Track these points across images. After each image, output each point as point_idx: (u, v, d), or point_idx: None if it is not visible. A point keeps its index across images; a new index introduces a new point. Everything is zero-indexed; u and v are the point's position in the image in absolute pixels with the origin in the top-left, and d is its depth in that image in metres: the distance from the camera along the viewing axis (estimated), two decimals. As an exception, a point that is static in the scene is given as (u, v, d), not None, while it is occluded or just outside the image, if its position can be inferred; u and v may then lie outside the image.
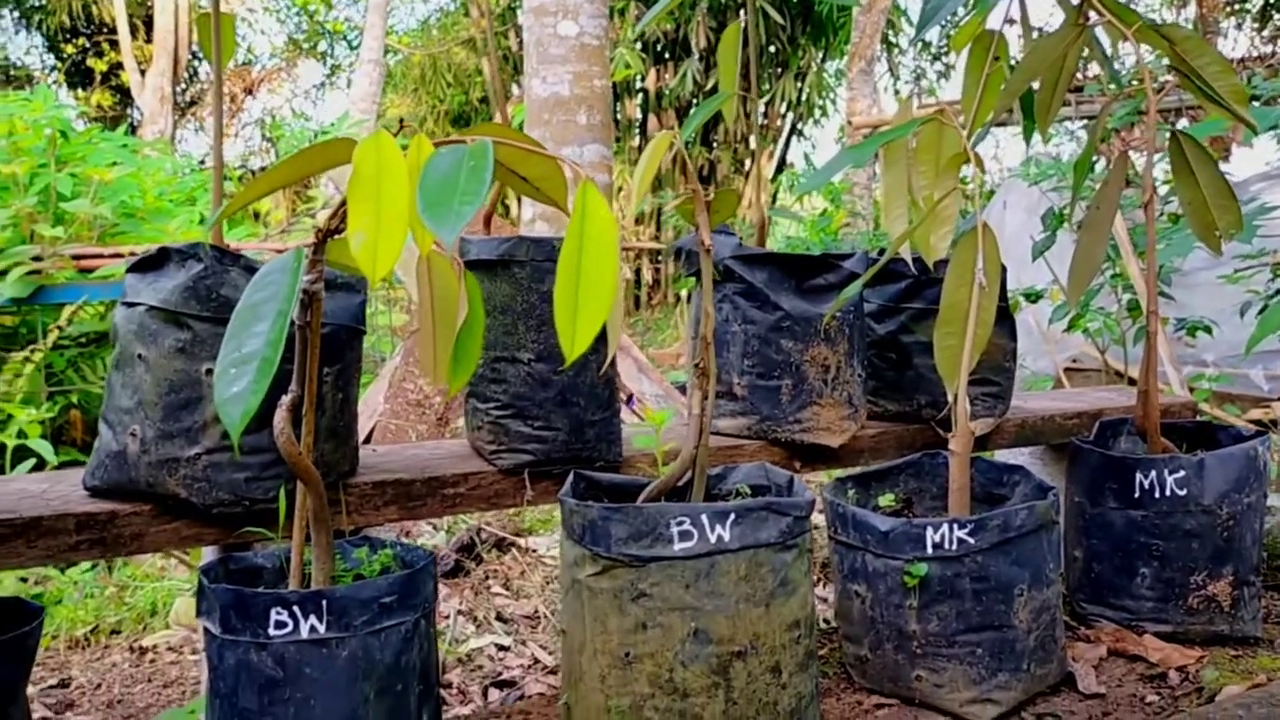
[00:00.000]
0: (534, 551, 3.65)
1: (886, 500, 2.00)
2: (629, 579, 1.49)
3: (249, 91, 11.52)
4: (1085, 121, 7.24)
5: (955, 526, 1.72)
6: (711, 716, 1.48)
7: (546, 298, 1.80)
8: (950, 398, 1.93)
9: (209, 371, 1.52)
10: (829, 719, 1.75)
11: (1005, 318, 2.25)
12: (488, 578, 3.32)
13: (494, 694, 2.35)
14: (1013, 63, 2.24)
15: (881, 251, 2.16)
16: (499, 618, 3.01)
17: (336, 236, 1.35)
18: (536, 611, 3.18)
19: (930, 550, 1.73)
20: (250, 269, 1.56)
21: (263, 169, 9.51)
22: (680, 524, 1.47)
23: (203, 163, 7.68)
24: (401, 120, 9.85)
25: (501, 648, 2.81)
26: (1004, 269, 2.03)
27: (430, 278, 1.40)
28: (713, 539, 1.48)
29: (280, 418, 1.36)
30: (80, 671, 2.68)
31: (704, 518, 1.48)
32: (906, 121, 1.98)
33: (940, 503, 2.04)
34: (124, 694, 2.64)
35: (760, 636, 1.51)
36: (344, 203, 1.34)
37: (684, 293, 7.19)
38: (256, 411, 1.18)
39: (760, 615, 1.50)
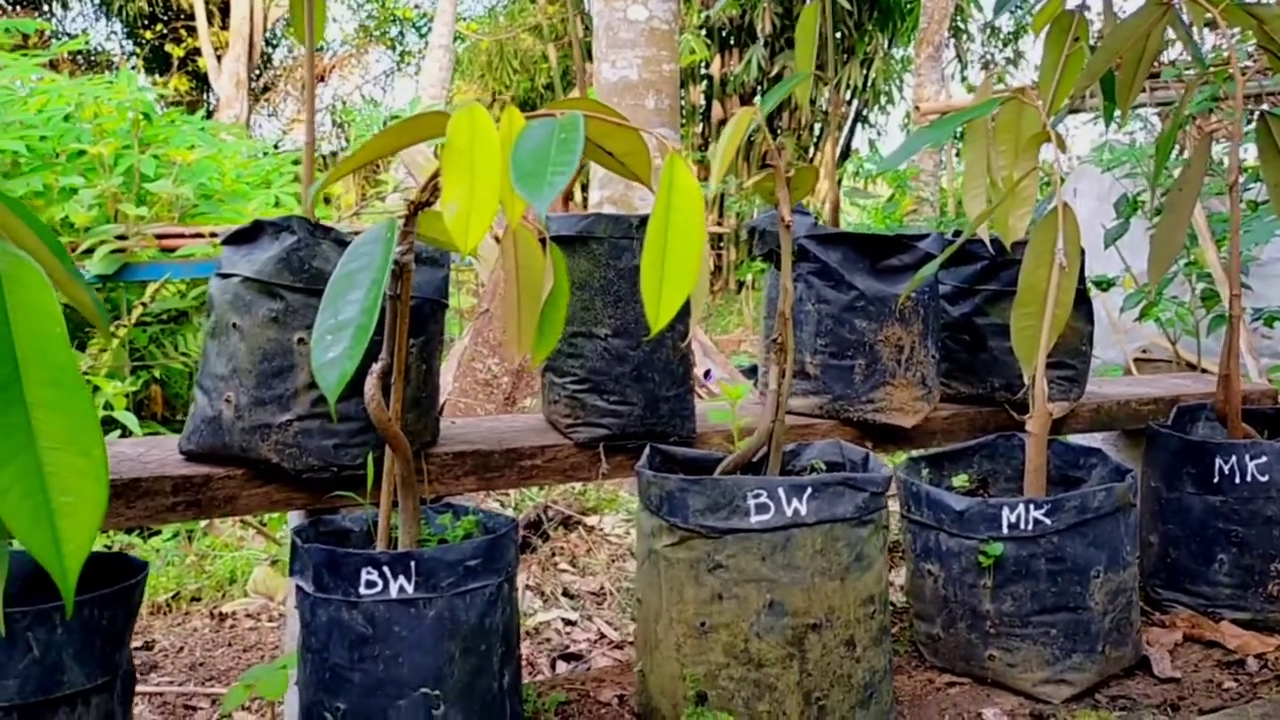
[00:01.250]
0: (600, 530, 3.70)
1: (960, 481, 1.99)
2: (705, 550, 1.51)
3: (320, 78, 11.71)
4: (1160, 108, 7.08)
5: (1031, 507, 1.72)
6: (786, 687, 1.50)
7: (624, 274, 1.83)
8: (1026, 379, 1.92)
9: (301, 341, 1.57)
10: (900, 696, 1.76)
11: (1083, 300, 2.23)
12: (554, 554, 3.37)
13: (561, 666, 2.39)
14: (1093, 44, 2.22)
15: (957, 233, 2.15)
16: (565, 593, 3.05)
17: (427, 209, 1.39)
18: (603, 588, 3.22)
19: (1006, 530, 1.72)
20: (340, 242, 1.61)
21: (333, 154, 9.68)
22: (757, 497, 1.49)
23: (276, 147, 7.82)
24: (495, 94, 9.93)
25: (568, 622, 2.85)
26: (1083, 251, 2.01)
27: (516, 250, 1.43)
28: (789, 512, 1.49)
29: (370, 385, 1.40)
30: (163, 635, 2.77)
31: (781, 491, 1.49)
32: (986, 100, 1.97)
33: (1014, 485, 2.03)
34: (205, 657, 2.72)
35: (835, 610, 1.52)
36: (435, 175, 1.37)
37: (749, 277, 7.17)
38: (351, 377, 1.22)
39: (835, 589, 1.52)
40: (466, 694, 1.35)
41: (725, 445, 1.93)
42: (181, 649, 2.71)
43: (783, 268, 1.61)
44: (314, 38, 1.67)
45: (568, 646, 2.65)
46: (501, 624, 1.40)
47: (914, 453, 2.13)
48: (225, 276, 1.64)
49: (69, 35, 11.89)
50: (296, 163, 6.88)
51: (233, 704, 1.43)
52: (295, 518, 1.90)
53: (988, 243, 2.13)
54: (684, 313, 1.92)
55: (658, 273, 1.21)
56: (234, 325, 1.59)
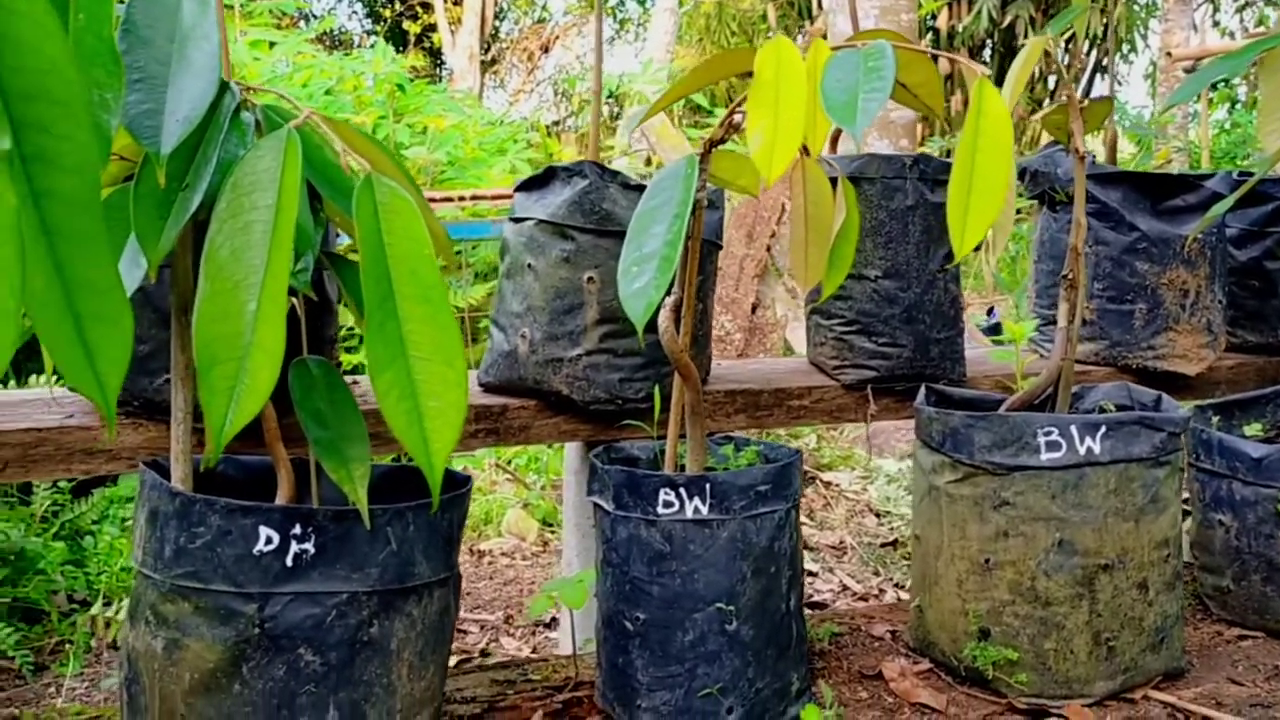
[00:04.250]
0: (836, 486, 3.70)
1: (1253, 429, 1.89)
2: (991, 487, 1.50)
3: (545, 49, 12.08)
4: None
5: (1342, 455, 1.61)
6: (1074, 626, 1.48)
7: (895, 215, 1.82)
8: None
9: (590, 280, 1.66)
10: (1188, 646, 1.70)
11: (1392, 242, 2.06)
12: (793, 507, 3.39)
13: (807, 613, 2.43)
14: None
15: (1244, 174, 2.02)
16: (806, 546, 3.08)
17: (720, 147, 1.44)
18: (842, 542, 3.23)
19: (1311, 479, 1.63)
20: (626, 185, 1.68)
21: (555, 123, 10.00)
22: (1048, 434, 1.47)
23: (506, 116, 8.14)
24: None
25: (809, 573, 2.88)
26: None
27: (805, 188, 1.46)
28: (1082, 450, 1.47)
29: (664, 317, 1.47)
30: (433, 567, 2.98)
31: (1073, 429, 1.47)
32: (1291, 26, 1.84)
33: (1313, 437, 1.91)
34: (470, 588, 2.92)
35: (1128, 551, 1.48)
36: (731, 112, 1.42)
37: (988, 236, 6.92)
38: (657, 307, 1.28)
39: (1129, 530, 1.48)
40: (758, 612, 1.40)
41: (996, 390, 1.90)
42: (449, 579, 2.90)
43: (1076, 200, 1.57)
44: (603, -11, 1.75)
45: (811, 596, 2.69)
46: (789, 548, 1.45)
47: (1200, 401, 2.03)
48: (519, 221, 1.75)
49: (314, 16, 12.74)
50: (530, 130, 7.15)
51: (538, 610, 1.54)
52: (572, 449, 2.02)
53: (1287, 180, 2.00)
54: (953, 253, 1.91)
55: (963, 200, 1.21)
56: (528, 266, 1.70)
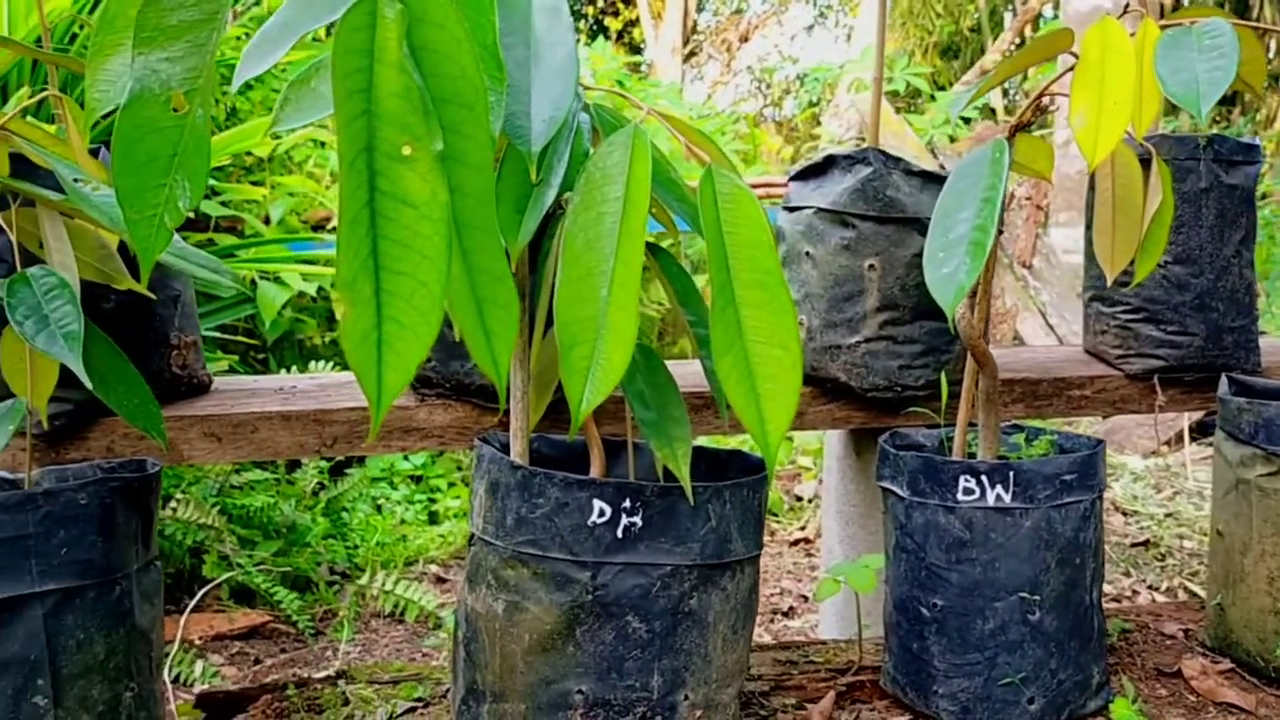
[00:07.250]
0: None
1: None
2: (1311, 481, 1.43)
3: (744, 39, 12.10)
4: None
5: None
6: None
7: (1187, 198, 1.75)
8: None
9: (871, 267, 1.67)
10: None
11: None
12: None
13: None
14: None
15: None
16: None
17: (1025, 131, 1.42)
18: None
19: None
20: (909, 171, 1.68)
21: (759, 111, 10.01)
22: (1379, 426, 1.38)
23: (709, 108, 8.20)
24: (919, 40, 9.68)
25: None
26: None
27: (1113, 170, 1.42)
28: None
29: (962, 304, 1.46)
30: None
31: None
32: None
33: None
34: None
35: None
36: (1037, 97, 1.40)
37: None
38: (967, 291, 1.28)
39: None
40: (1061, 603, 1.38)
41: (1296, 380, 1.80)
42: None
43: None
44: (885, -23, 1.75)
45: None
46: (1093, 540, 1.42)
47: None
48: (794, 210, 1.77)
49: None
50: (737, 121, 7.18)
51: (825, 594, 1.57)
52: (835, 437, 2.03)
53: None
54: (1249, 237, 1.82)
55: None
56: (806, 254, 1.72)
